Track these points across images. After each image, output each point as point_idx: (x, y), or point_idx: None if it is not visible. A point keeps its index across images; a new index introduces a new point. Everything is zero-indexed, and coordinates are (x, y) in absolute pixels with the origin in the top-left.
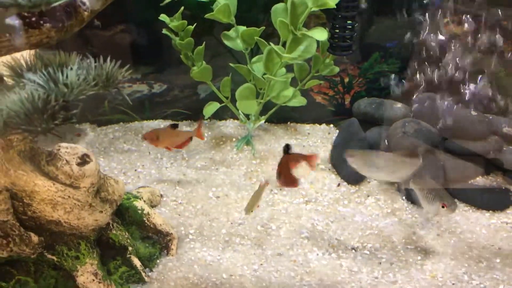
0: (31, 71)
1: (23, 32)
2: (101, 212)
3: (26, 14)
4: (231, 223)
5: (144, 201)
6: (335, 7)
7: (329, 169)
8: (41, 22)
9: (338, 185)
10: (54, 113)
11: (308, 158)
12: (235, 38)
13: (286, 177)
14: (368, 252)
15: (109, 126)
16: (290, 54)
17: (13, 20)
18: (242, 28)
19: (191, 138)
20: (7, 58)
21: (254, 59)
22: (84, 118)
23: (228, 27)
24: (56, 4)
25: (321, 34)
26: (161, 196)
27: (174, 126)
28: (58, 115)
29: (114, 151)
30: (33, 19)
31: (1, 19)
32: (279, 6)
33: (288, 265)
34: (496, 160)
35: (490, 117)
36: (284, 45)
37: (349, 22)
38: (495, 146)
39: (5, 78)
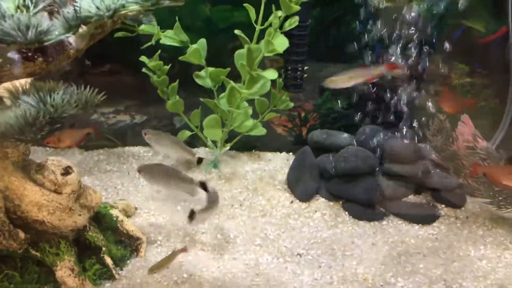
0: (26, 94)
1: (21, 64)
2: (80, 215)
3: (23, 49)
4: (195, 232)
5: (120, 210)
6: (283, 53)
7: (285, 189)
8: (35, 56)
9: (291, 202)
10: (42, 127)
11: None
12: (205, 77)
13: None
14: (311, 258)
15: (94, 151)
16: (248, 90)
17: (13, 54)
18: (211, 68)
19: (88, 134)
20: (7, 84)
21: (221, 95)
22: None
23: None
24: (48, 43)
25: (272, 74)
26: (136, 208)
27: (72, 125)
28: (45, 129)
29: (98, 171)
30: (29, 54)
31: (4, 53)
32: (240, 51)
33: (242, 268)
34: (425, 181)
35: (422, 146)
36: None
37: (299, 65)
38: (423, 169)
39: (4, 99)
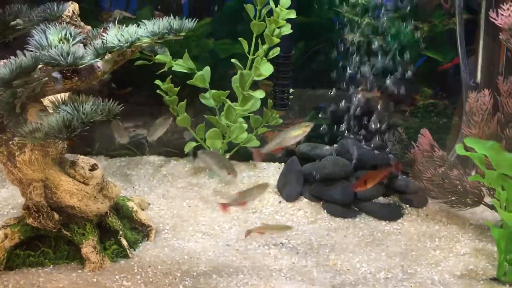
0: (64, 104)
1: (62, 82)
2: (102, 203)
3: (64, 71)
4: (197, 224)
5: (135, 203)
6: (272, 78)
7: (275, 192)
8: (72, 76)
9: (279, 202)
10: (75, 129)
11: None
12: (209, 98)
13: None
14: (291, 246)
15: (117, 158)
16: (241, 107)
17: (56, 74)
18: (214, 91)
19: None
20: (51, 97)
21: (222, 113)
22: (101, 152)
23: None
24: (82, 66)
25: (260, 94)
26: (149, 204)
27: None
28: (77, 130)
29: (120, 174)
30: (68, 74)
31: (49, 73)
32: (236, 76)
33: (233, 253)
34: (393, 185)
35: (389, 155)
36: None
37: (285, 88)
38: (392, 175)
39: (48, 108)
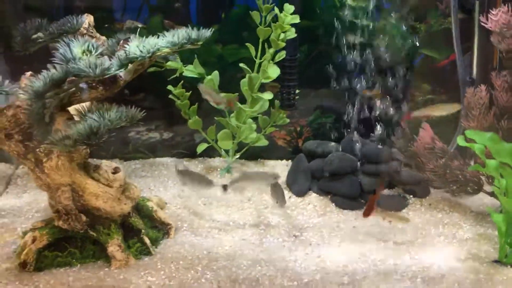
0: (90, 112)
1: (87, 91)
2: (125, 204)
3: (90, 81)
4: (213, 221)
5: (154, 203)
6: (279, 80)
7: (284, 188)
8: (98, 86)
9: (289, 197)
10: (102, 135)
11: None
12: None
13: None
14: (304, 238)
15: (132, 161)
16: (251, 109)
17: (83, 85)
18: (223, 94)
19: None
20: (76, 106)
21: (232, 114)
22: (115, 155)
23: None
24: (107, 76)
25: (268, 95)
26: (166, 203)
27: None
28: (104, 136)
29: (135, 176)
30: (93, 84)
31: (77, 84)
32: (244, 79)
33: (249, 246)
34: (397, 177)
35: (392, 149)
36: None
37: (291, 89)
38: (395, 168)
39: (74, 116)
